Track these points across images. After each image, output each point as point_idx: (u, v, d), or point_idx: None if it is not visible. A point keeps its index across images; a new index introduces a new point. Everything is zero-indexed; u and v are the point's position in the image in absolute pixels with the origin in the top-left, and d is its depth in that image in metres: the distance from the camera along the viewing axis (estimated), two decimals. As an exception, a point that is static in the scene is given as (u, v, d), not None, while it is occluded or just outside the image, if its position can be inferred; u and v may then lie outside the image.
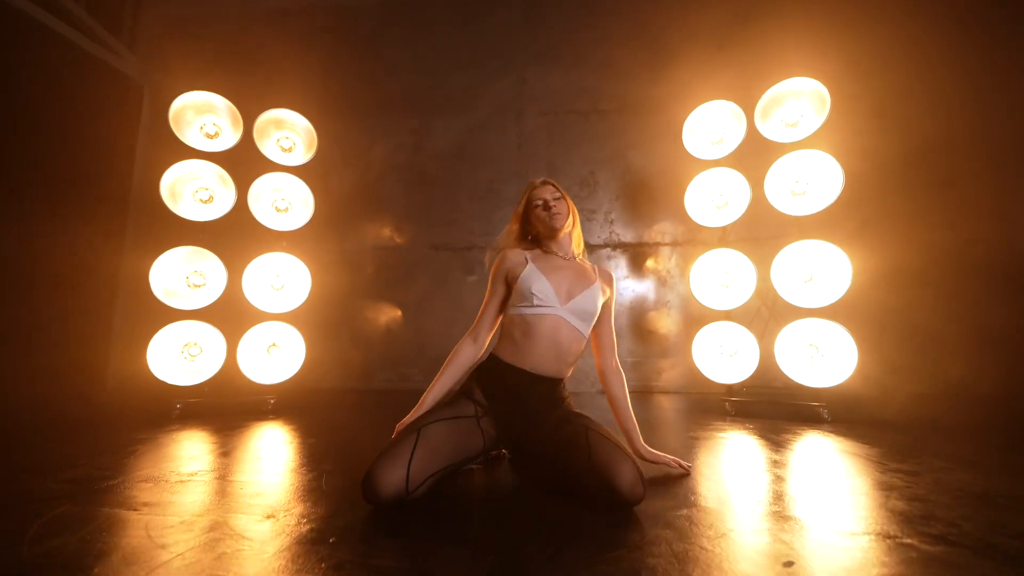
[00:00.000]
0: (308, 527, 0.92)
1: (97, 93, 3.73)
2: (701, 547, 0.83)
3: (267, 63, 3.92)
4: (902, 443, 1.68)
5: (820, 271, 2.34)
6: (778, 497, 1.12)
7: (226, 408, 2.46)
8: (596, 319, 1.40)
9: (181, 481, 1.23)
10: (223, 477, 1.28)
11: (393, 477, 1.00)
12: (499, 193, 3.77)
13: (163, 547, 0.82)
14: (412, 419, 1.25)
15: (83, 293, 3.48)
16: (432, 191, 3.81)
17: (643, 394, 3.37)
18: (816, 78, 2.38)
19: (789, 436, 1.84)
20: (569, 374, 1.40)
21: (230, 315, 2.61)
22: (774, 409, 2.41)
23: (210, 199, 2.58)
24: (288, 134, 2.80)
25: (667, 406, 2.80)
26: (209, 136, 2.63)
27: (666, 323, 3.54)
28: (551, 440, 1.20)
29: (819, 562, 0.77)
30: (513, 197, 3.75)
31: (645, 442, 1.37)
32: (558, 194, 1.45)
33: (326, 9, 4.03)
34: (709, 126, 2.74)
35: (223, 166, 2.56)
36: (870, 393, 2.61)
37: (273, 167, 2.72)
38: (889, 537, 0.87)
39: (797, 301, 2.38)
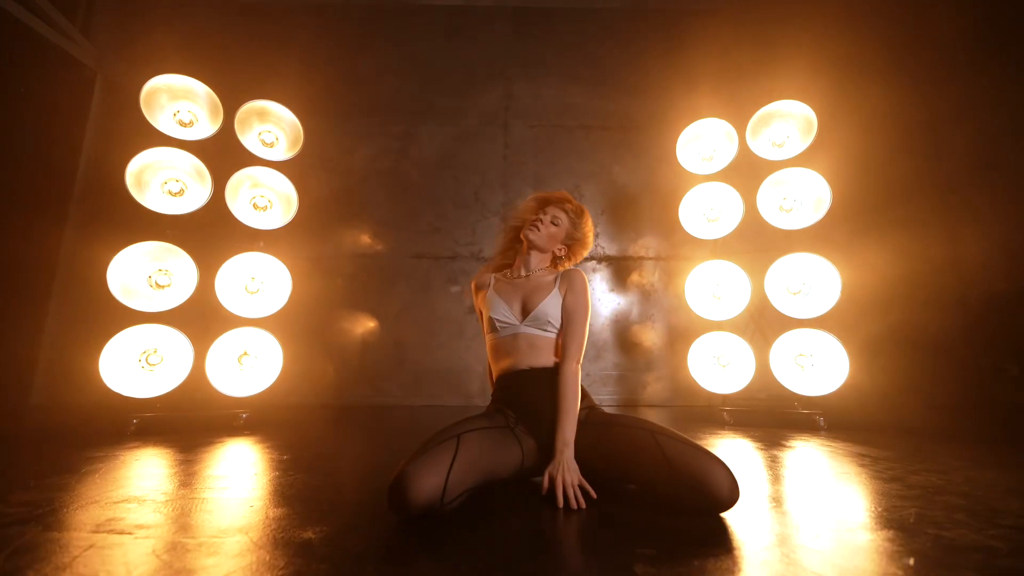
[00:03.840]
0: (350, 540, 0.78)
1: (45, 76, 3.38)
2: (802, 546, 0.77)
3: (241, 58, 3.71)
4: (910, 446, 1.72)
5: (811, 283, 2.43)
6: (836, 493, 1.09)
7: (191, 424, 2.19)
8: (562, 321, 1.34)
9: (171, 500, 1.04)
10: (215, 495, 1.10)
11: (428, 484, 0.88)
12: (484, 203, 3.70)
13: (187, 571, 0.66)
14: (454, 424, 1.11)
15: (12, 290, 3.05)
16: (415, 198, 3.69)
17: (629, 407, 3.34)
18: (804, 101, 2.51)
19: (795, 442, 1.85)
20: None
21: (196, 320, 2.36)
22: (769, 418, 2.43)
23: (181, 192, 2.35)
24: (271, 127, 2.63)
25: (656, 418, 2.77)
26: (183, 124, 2.42)
27: (650, 336, 3.56)
28: (601, 446, 1.13)
29: (939, 553, 0.73)
30: (498, 208, 3.70)
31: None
32: (559, 220, 1.42)
33: (307, 6, 3.89)
34: (701, 143, 2.82)
35: (198, 156, 2.34)
36: (854, 400, 2.69)
37: (253, 161, 2.53)
38: (968, 526, 0.85)
39: (789, 312, 2.45)
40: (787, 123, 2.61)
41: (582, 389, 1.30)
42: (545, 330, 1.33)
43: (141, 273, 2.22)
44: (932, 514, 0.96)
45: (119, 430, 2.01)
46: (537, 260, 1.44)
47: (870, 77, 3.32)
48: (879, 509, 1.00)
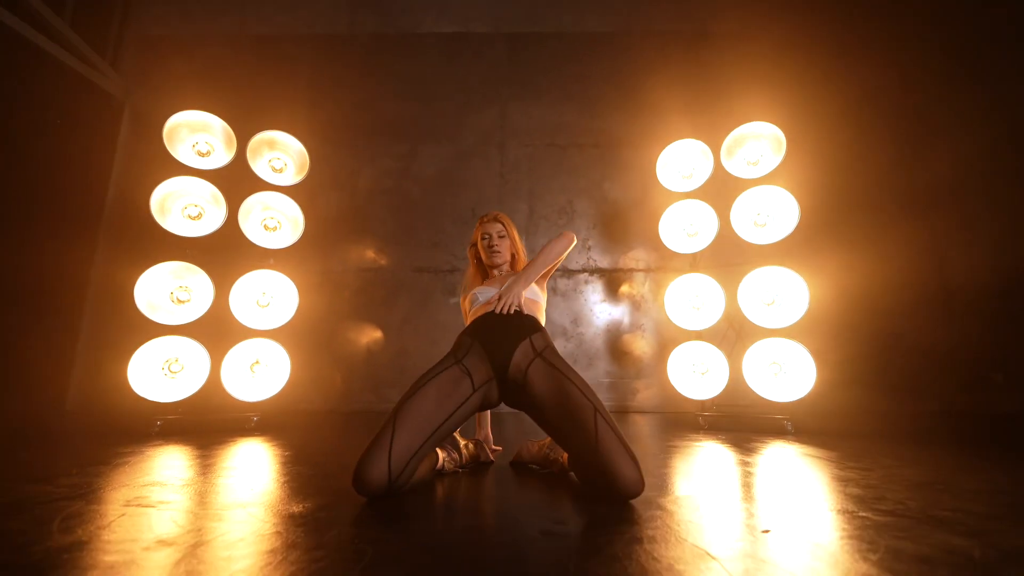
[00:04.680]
0: (324, 513, 0.98)
1: (76, 108, 3.72)
2: (690, 520, 0.94)
3: (255, 86, 4.01)
4: (857, 447, 1.86)
5: (781, 295, 2.57)
6: (749, 486, 1.25)
7: (208, 425, 2.42)
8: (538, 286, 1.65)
9: (187, 484, 1.26)
10: (224, 480, 1.31)
11: (375, 471, 1.07)
12: (482, 218, 3.91)
13: (196, 531, 0.86)
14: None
15: (49, 306, 3.36)
16: (416, 215, 3.93)
17: (620, 414, 3.49)
18: (773, 122, 2.67)
19: (757, 444, 2.00)
20: (539, 317, 1.55)
21: (212, 332, 2.60)
22: (743, 423, 2.57)
23: (199, 215, 2.61)
24: (280, 155, 2.88)
25: (644, 423, 2.93)
26: (201, 154, 2.68)
27: (640, 345, 3.71)
28: (553, 394, 1.22)
29: (790, 530, 0.89)
30: (495, 222, 3.90)
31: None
32: (504, 232, 1.69)
33: (315, 37, 4.19)
34: (680, 162, 2.99)
35: (214, 183, 2.60)
36: (828, 406, 2.81)
37: (264, 186, 2.78)
38: (847, 512, 1.01)
39: (761, 322, 2.59)
40: (760, 142, 2.77)
41: (544, 333, 1.41)
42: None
43: (164, 290, 2.47)
44: (825, 499, 1.11)
45: (145, 430, 2.26)
46: (505, 265, 1.72)
47: (836, 98, 3.46)
48: (783, 495, 1.16)
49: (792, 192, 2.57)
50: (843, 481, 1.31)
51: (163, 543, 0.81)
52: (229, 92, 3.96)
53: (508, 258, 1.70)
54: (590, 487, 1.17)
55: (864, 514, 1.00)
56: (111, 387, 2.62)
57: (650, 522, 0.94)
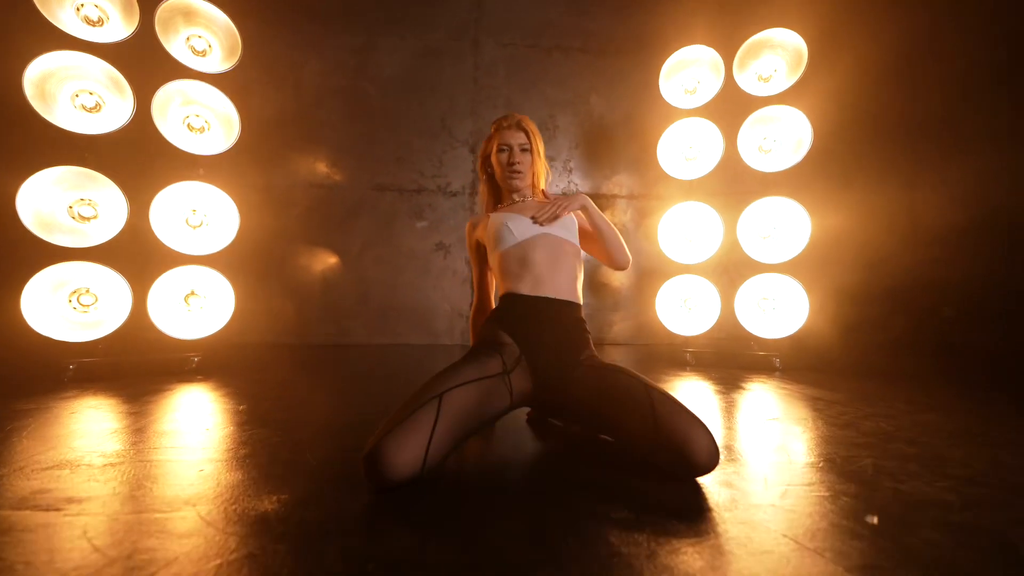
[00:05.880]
0: (310, 513, 0.73)
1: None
2: (772, 504, 0.78)
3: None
4: (865, 391, 1.82)
5: (781, 227, 2.42)
6: (815, 448, 1.13)
7: (137, 368, 2.05)
8: (579, 233, 1.34)
9: (110, 464, 0.96)
10: (161, 456, 1.02)
11: (408, 456, 0.81)
12: (452, 131, 3.44)
13: (121, 560, 0.59)
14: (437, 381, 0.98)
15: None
16: (376, 123, 3.38)
17: (594, 346, 3.41)
18: (797, 29, 2.35)
19: (748, 384, 1.93)
20: (580, 297, 1.29)
21: (133, 257, 2.14)
22: (729, 359, 2.52)
23: (97, 106, 2.02)
24: (202, 32, 2.25)
25: (621, 358, 2.84)
26: (90, 21, 2.02)
27: (619, 276, 3.56)
28: (596, 388, 1.05)
29: (898, 508, 0.75)
30: (467, 137, 3.45)
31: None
32: (527, 144, 1.32)
33: None
34: (685, 73, 2.64)
35: (113, 64, 1.99)
36: (819, 343, 2.81)
37: (183, 72, 2.19)
38: (937, 502, 0.89)
39: (757, 256, 2.46)
40: (776, 55, 2.46)
41: (586, 333, 1.22)
42: (564, 228, 1.26)
43: (60, 203, 1.95)
44: (887, 464, 1.00)
45: (55, 376, 1.87)
46: (526, 188, 1.37)
47: (868, 10, 3.12)
48: (839, 460, 1.04)
49: (808, 115, 2.33)
50: (882, 436, 1.22)
51: (67, 593, 0.54)
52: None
53: (531, 180, 1.35)
54: (650, 463, 0.94)
55: (942, 483, 0.88)
56: (11, 325, 2.14)
57: (720, 524, 0.77)
